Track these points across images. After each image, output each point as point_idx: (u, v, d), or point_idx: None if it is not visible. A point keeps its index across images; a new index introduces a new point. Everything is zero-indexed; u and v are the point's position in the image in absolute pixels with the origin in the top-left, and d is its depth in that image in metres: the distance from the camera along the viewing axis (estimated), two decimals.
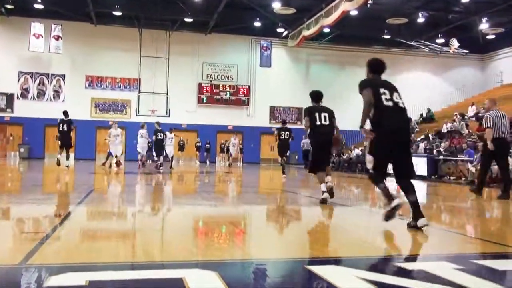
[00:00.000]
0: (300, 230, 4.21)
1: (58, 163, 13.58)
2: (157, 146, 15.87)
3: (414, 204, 3.97)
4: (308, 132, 6.37)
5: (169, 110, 25.50)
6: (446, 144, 16.25)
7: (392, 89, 4.20)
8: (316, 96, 6.66)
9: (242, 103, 28.55)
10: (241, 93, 28.51)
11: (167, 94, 25.73)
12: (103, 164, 16.57)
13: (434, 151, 15.90)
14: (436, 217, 5.48)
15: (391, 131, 3.95)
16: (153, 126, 16.50)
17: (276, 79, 29.23)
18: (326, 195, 6.07)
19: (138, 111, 25.25)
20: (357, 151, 20.58)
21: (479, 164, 8.22)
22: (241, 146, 27.25)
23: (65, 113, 14.04)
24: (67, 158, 13.70)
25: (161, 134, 15.92)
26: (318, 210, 5.71)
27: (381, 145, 3.95)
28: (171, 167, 16.11)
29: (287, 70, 29.67)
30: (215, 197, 7.07)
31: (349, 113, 29.30)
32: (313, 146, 6.45)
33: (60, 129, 13.70)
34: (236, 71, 28.64)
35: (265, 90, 28.53)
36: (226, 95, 28.26)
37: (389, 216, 4.05)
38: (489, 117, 7.51)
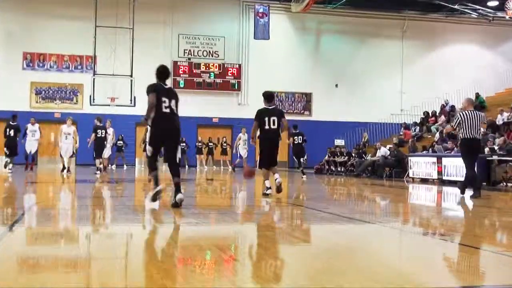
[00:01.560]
0: (306, 256, 4.22)
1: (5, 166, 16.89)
2: (97, 146, 16.98)
3: (176, 185, 7.05)
4: (257, 135, 9.77)
5: (134, 98, 25.46)
6: (501, 140, 16.33)
7: (172, 96, 7.05)
8: (269, 96, 9.77)
9: (232, 88, 28.64)
10: (229, 74, 28.59)
11: (131, 76, 25.68)
12: (62, 170, 17.44)
13: (486, 150, 15.92)
14: (491, 237, 5.50)
15: (165, 131, 7.07)
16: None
17: (276, 55, 29.28)
18: (270, 191, 9.40)
19: (93, 100, 25.20)
20: (384, 150, 20.62)
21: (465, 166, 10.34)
22: (229, 145, 27.34)
23: (14, 117, 17.18)
24: (9, 163, 16.40)
25: (102, 131, 16.93)
26: (330, 229, 5.73)
27: (156, 140, 7.17)
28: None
29: (290, 44, 29.73)
30: (196, 213, 7.07)
31: (372, 100, 29.64)
32: (261, 148, 9.79)
33: (7, 134, 16.80)
34: (223, 46, 28.66)
35: (262, 71, 28.61)
36: (210, 77, 28.30)
37: (154, 199, 7.15)
38: (458, 119, 9.87)
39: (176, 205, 6.90)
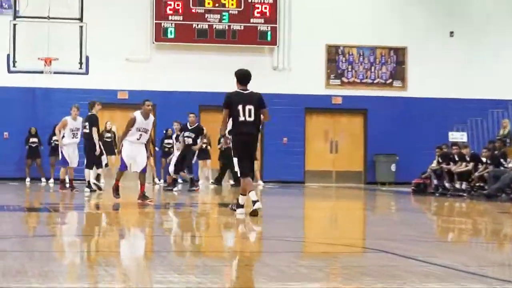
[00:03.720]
0: None
1: None
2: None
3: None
4: (227, 129, 12.62)
5: (87, 59, 25.60)
6: None
7: None
8: (244, 77, 12.30)
9: (261, 40, 28.58)
10: (257, 15, 28.52)
11: (81, 21, 25.82)
12: None
13: None
14: None
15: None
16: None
17: None
18: (242, 212, 12.21)
19: (14, 63, 25.35)
20: None
21: None
22: None
23: None
24: None
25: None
26: None
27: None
28: (142, 197, 16.03)
29: None
30: (199, 266, 7.10)
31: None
32: (234, 147, 12.56)
33: None
34: None
35: (316, 9, 28.60)
36: (221, 20, 28.27)
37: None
38: None
39: None
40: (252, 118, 11.76)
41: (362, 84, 28.95)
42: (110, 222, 13.11)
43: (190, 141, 21.73)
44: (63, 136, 19.93)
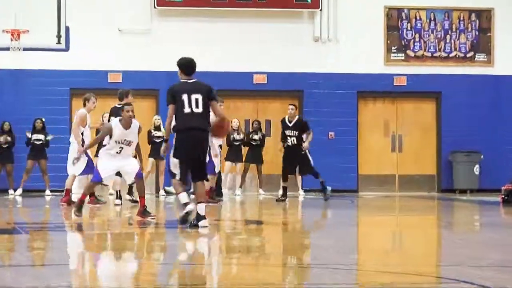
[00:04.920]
0: None
1: None
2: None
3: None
4: (172, 125, 13.63)
5: (67, 30, 25.76)
6: None
7: None
8: (188, 66, 13.78)
9: (298, 2, 28.80)
10: None
11: None
12: None
13: None
14: None
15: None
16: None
17: None
18: (191, 208, 13.54)
19: None
20: None
21: None
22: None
23: None
24: None
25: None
26: None
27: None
28: (142, 212, 16.09)
29: None
30: None
31: None
32: (179, 144, 13.55)
33: None
34: None
35: None
36: None
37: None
38: None
39: None
40: (200, 110, 12.87)
41: (434, 59, 28.88)
42: (103, 247, 13.09)
43: (294, 140, 22.73)
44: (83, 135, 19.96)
